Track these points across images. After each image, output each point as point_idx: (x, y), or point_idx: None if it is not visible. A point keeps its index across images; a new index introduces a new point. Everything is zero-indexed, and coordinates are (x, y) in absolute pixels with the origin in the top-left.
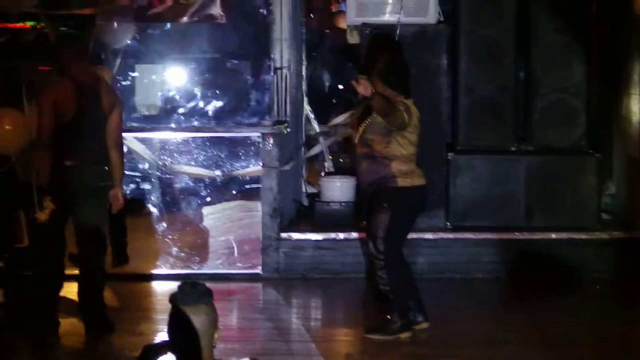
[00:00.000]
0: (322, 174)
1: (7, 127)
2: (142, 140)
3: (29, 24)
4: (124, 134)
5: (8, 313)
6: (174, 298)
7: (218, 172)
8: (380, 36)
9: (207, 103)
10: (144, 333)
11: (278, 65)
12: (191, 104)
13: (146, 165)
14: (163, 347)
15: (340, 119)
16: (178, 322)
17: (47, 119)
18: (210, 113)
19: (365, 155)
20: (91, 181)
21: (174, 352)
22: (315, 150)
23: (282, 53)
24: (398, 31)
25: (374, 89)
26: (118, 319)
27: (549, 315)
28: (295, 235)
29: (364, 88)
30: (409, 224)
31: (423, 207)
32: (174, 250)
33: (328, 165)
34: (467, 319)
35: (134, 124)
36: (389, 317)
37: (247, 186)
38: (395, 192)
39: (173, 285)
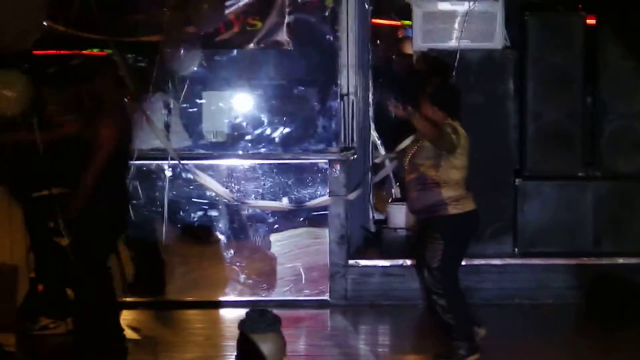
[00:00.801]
0: (390, 200)
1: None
2: (209, 167)
3: (95, 50)
4: (189, 161)
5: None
6: (242, 325)
7: (286, 203)
8: (432, 59)
9: (274, 130)
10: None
11: (345, 91)
12: (258, 131)
13: (213, 193)
14: None
15: (406, 144)
16: (247, 349)
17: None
18: (277, 140)
19: (415, 182)
20: None
21: None
22: (381, 175)
23: (349, 79)
24: (458, 56)
25: (422, 110)
26: (186, 346)
27: (618, 342)
28: (363, 262)
29: (394, 108)
30: (463, 250)
31: (475, 232)
32: (242, 277)
33: (395, 191)
34: (535, 344)
35: (201, 151)
36: (455, 343)
37: (315, 213)
38: (447, 220)
39: (241, 313)
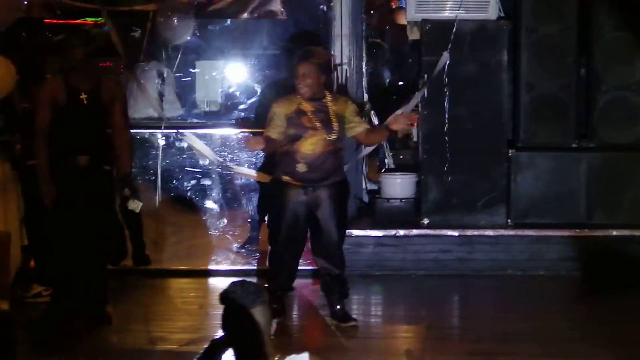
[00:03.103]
0: (382, 170)
1: None
2: (203, 137)
3: (89, 20)
4: (184, 130)
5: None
6: (231, 296)
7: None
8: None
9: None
10: (202, 328)
11: (338, 61)
12: (251, 100)
13: (206, 162)
14: (227, 343)
15: (399, 113)
16: (237, 319)
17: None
18: None
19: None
20: None
21: (236, 347)
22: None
23: (342, 49)
24: (455, 27)
25: None
26: (178, 315)
27: (612, 313)
28: (356, 232)
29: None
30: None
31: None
32: (235, 246)
33: (388, 161)
34: (529, 315)
35: (195, 120)
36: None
37: None
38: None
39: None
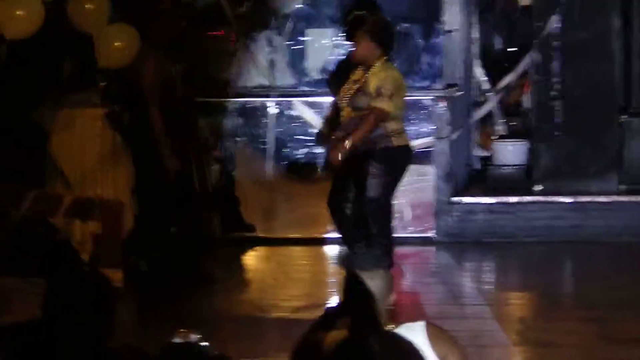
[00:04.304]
0: (494, 137)
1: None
2: (313, 105)
3: None
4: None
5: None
6: (348, 262)
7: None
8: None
9: None
10: (315, 296)
11: (449, 28)
12: None
13: (316, 130)
14: (343, 311)
15: (509, 80)
16: (354, 286)
17: None
18: None
19: (357, 118)
20: None
21: (351, 316)
22: (484, 110)
23: (453, 16)
24: None
25: (361, 46)
26: (291, 283)
27: None
28: (468, 199)
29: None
30: (399, 181)
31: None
32: None
33: (500, 128)
34: None
35: (305, 89)
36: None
37: (419, 150)
38: (390, 152)
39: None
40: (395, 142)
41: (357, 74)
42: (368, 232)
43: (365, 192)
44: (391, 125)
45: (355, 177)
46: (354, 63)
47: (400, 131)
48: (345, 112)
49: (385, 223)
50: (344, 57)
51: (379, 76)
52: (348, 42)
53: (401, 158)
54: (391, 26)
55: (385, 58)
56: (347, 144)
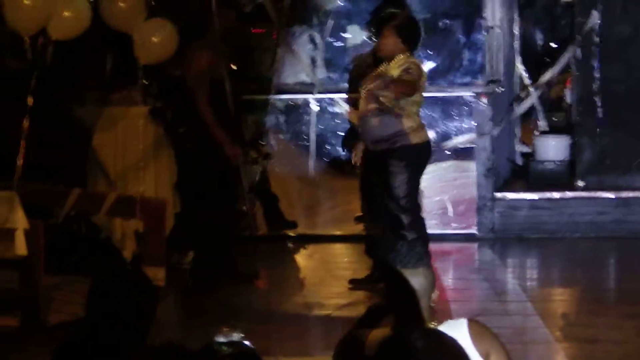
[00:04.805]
0: (536, 132)
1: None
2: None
3: None
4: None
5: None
6: (391, 260)
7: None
8: None
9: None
10: (357, 294)
11: (490, 24)
12: None
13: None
14: (386, 308)
15: (551, 76)
16: (397, 283)
17: None
18: None
19: (375, 112)
20: None
21: (394, 313)
22: (526, 106)
23: (494, 12)
24: None
25: (386, 40)
26: (333, 280)
27: None
28: (510, 195)
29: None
30: (421, 177)
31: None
32: None
33: (542, 124)
34: None
35: (346, 85)
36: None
37: (461, 146)
38: (410, 149)
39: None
40: (414, 139)
41: (381, 68)
42: (401, 230)
43: (391, 191)
44: (408, 122)
45: (379, 178)
46: (379, 58)
47: (417, 128)
48: (364, 104)
49: (415, 219)
50: (368, 52)
51: (401, 63)
52: (375, 38)
53: (421, 155)
54: (418, 24)
55: (408, 54)
56: (371, 106)
